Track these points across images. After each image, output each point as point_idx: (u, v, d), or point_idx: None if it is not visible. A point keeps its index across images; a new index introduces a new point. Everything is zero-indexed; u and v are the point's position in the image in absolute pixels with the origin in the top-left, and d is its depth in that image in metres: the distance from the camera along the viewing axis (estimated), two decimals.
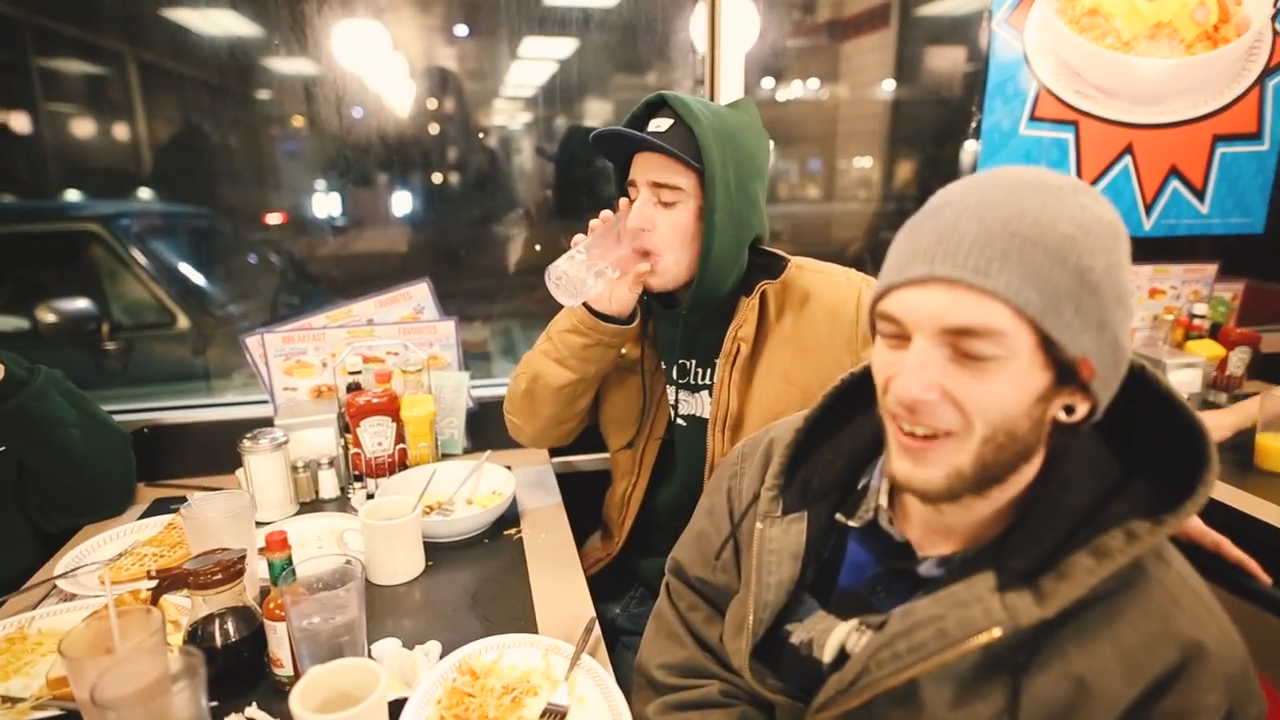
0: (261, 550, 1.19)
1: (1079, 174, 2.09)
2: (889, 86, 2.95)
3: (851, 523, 0.84)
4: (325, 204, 3.67)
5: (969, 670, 0.71)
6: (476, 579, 1.24)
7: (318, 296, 3.89)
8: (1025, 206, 0.66)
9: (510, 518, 1.42)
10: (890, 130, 2.97)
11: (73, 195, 3.21)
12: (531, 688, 0.97)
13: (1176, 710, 0.66)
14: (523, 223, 3.09)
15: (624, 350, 1.38)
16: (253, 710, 0.93)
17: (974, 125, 2.05)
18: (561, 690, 0.95)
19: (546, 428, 1.40)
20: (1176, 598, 0.69)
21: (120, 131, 3.89)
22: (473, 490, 1.45)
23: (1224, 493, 1.48)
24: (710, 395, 1.32)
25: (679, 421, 1.37)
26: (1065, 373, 0.66)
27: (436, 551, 1.29)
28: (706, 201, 1.19)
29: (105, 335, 2.92)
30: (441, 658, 1.02)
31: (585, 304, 1.25)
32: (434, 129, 3.17)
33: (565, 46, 4.31)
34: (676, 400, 1.36)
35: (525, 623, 1.12)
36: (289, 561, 0.95)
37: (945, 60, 2.75)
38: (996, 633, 0.67)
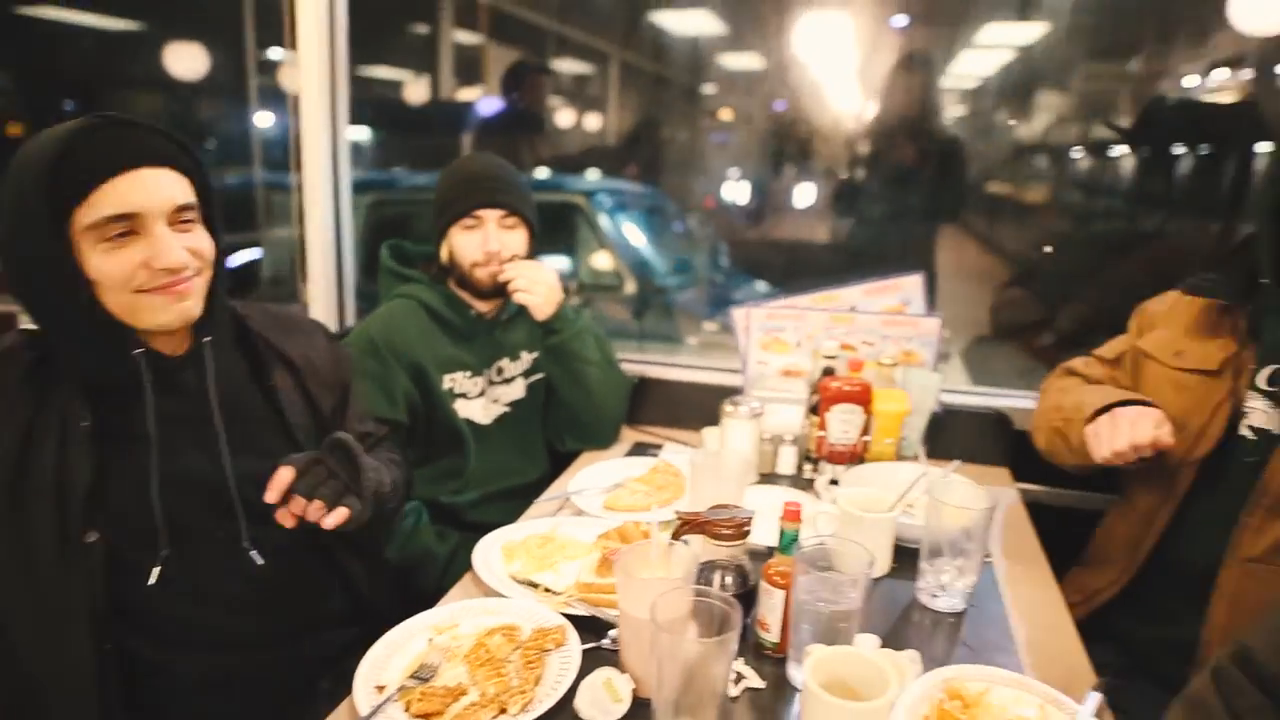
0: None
1: None
2: None
3: None
4: (751, 192, 3.82)
5: None
6: None
7: (738, 278, 4.10)
8: None
9: None
10: None
11: (544, 173, 3.79)
12: None
13: None
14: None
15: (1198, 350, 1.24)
16: (740, 665, 0.97)
17: None
18: None
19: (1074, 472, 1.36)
20: None
21: (592, 122, 4.48)
22: (947, 499, 1.36)
23: None
24: None
25: (1244, 433, 1.16)
26: None
27: (901, 553, 1.23)
28: None
29: (572, 292, 3.42)
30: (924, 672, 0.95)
31: None
32: (867, 124, 3.07)
33: (1029, 32, 3.86)
34: (1248, 410, 1.16)
35: (1004, 658, 1.02)
36: (798, 534, 0.96)
37: None
38: None
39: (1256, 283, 1.17)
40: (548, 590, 1.09)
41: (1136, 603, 1.26)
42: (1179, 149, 2.55)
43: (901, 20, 3.33)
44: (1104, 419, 1.17)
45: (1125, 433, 1.13)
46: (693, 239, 4.13)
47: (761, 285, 3.66)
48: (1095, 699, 0.90)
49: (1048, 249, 2.38)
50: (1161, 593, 1.22)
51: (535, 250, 1.57)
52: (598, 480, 1.45)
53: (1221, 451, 1.17)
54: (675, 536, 1.01)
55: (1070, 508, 1.55)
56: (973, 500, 1.10)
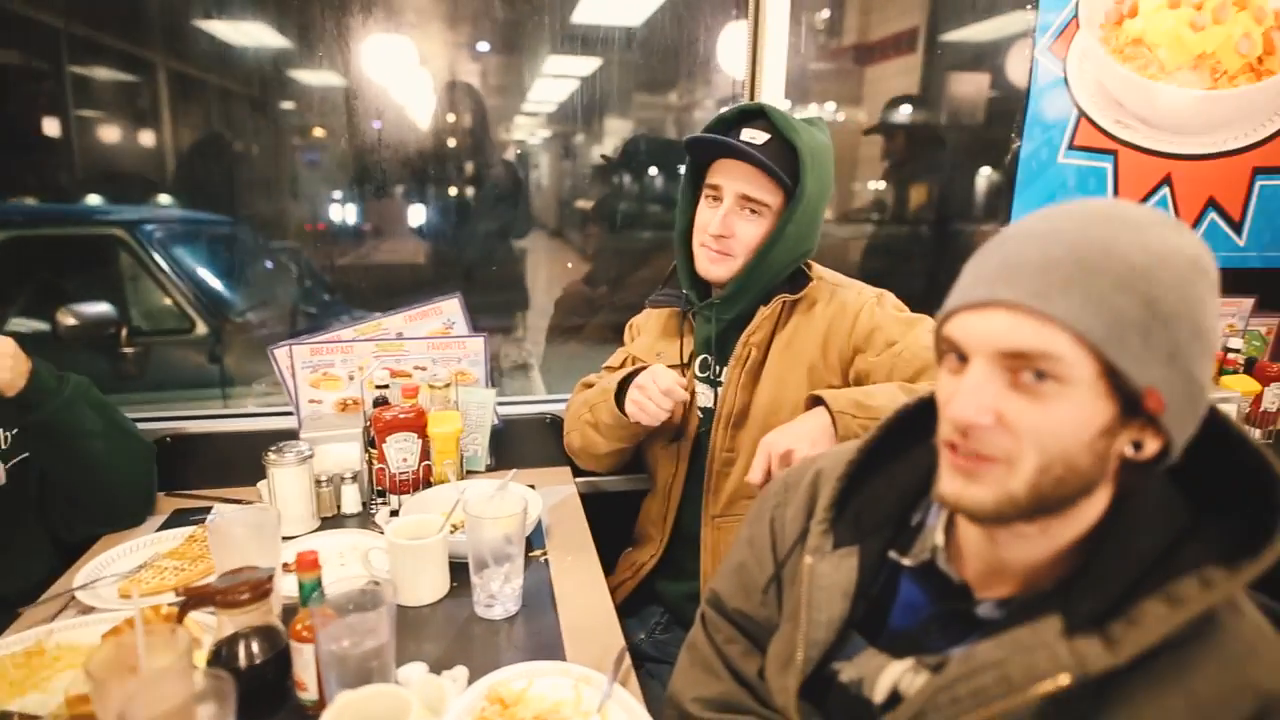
0: (287, 566, 1.17)
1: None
2: (912, 111, 2.94)
3: (905, 561, 0.82)
4: (346, 215, 3.67)
5: (1031, 718, 0.68)
6: None
7: (335, 306, 3.90)
8: (1096, 235, 0.65)
9: (535, 540, 1.39)
10: (911, 155, 2.96)
11: (96, 200, 3.23)
12: (562, 719, 0.94)
13: None
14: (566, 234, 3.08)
15: (666, 350, 1.47)
16: None
17: (1012, 152, 2.03)
18: None
19: (607, 466, 1.54)
20: (1253, 647, 0.66)
21: (147, 138, 3.91)
22: (497, 510, 1.42)
23: None
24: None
25: (698, 412, 1.42)
26: (1131, 404, 0.64)
27: (461, 571, 1.26)
28: (785, 218, 1.25)
29: (124, 340, 2.92)
30: (469, 684, 0.99)
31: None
32: (455, 143, 3.17)
33: (589, 64, 4.32)
34: (697, 393, 1.43)
35: (553, 649, 1.10)
36: (319, 582, 0.92)
37: (972, 86, 2.74)
38: (1064, 679, 0.64)
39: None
40: (23, 718, 0.90)
41: (668, 568, 1.46)
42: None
43: (484, 46, 3.45)
44: (634, 392, 1.33)
45: (652, 389, 1.30)
46: (283, 268, 3.81)
47: (391, 315, 3.50)
48: (617, 670, 1.02)
49: (572, 265, 2.68)
50: (680, 556, 1.43)
51: None
52: (117, 565, 1.25)
53: (697, 431, 1.41)
54: (181, 617, 0.90)
55: (625, 491, 1.73)
56: (507, 507, 1.16)
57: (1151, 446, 0.67)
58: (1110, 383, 0.64)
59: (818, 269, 1.40)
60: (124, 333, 2.97)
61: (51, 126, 3.12)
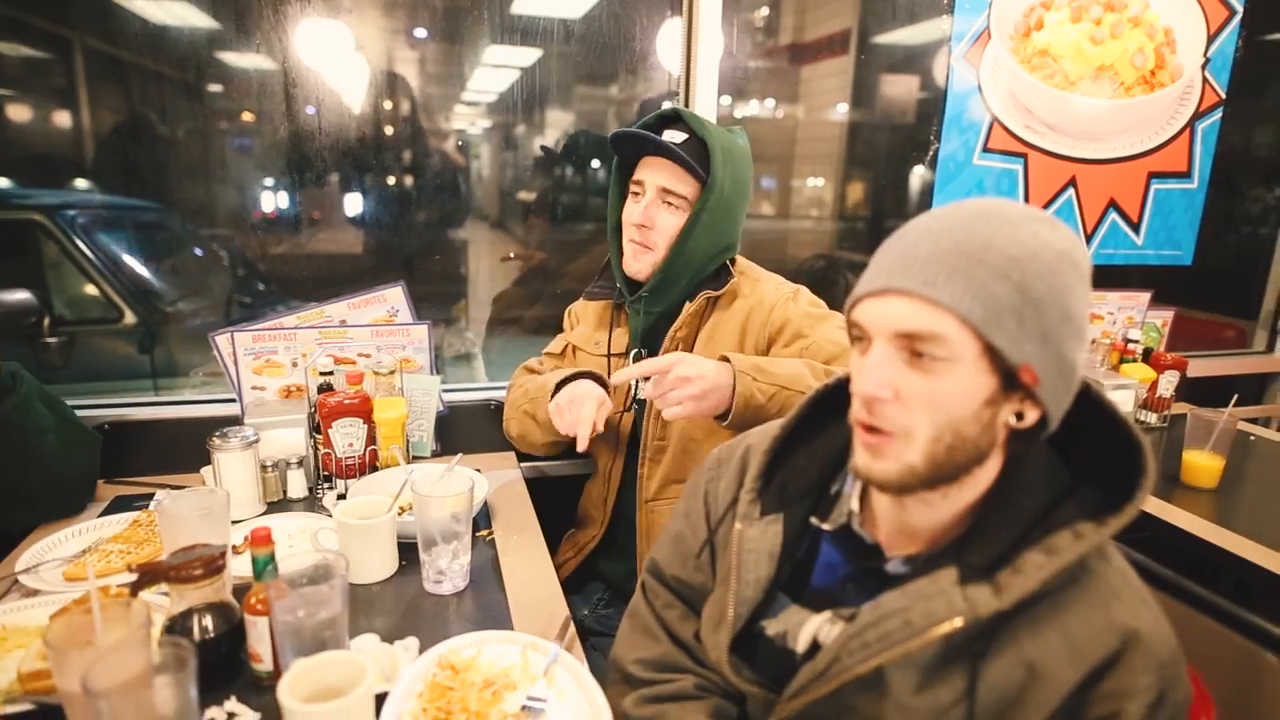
0: (238, 547, 1.20)
1: (1026, 203, 2.21)
2: (846, 110, 3.05)
3: (825, 526, 0.90)
4: (280, 202, 3.60)
5: (932, 658, 0.77)
6: None
7: (271, 296, 3.82)
8: (978, 232, 0.74)
9: (481, 520, 1.44)
10: (845, 153, 3.08)
11: (4, 183, 3.09)
12: (511, 683, 0.99)
13: (1114, 691, 0.73)
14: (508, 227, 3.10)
15: (601, 338, 1.53)
16: (232, 704, 0.93)
17: (931, 153, 2.15)
18: (540, 685, 0.98)
19: (543, 453, 1.57)
20: (1117, 591, 0.76)
21: (62, 119, 3.75)
22: (444, 492, 1.46)
23: (1154, 506, 1.58)
24: None
25: (634, 404, 1.49)
26: (1010, 379, 0.73)
27: (409, 551, 1.30)
28: (698, 207, 1.33)
29: (45, 330, 2.82)
30: (420, 654, 1.03)
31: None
32: (392, 131, 3.15)
33: (529, 55, 4.33)
34: (633, 385, 1.49)
35: (500, 622, 1.15)
36: (272, 557, 0.95)
37: (901, 88, 2.87)
38: (958, 622, 0.73)
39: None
40: None
41: (609, 547, 1.53)
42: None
43: (422, 33, 3.42)
44: (562, 397, 1.38)
45: (576, 413, 1.34)
46: (215, 257, 3.71)
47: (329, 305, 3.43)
48: (563, 636, 1.08)
49: (511, 256, 2.72)
50: (620, 536, 1.50)
51: None
52: (59, 550, 1.25)
53: (634, 420, 1.48)
54: (135, 592, 0.92)
55: (568, 475, 1.79)
56: (455, 486, 1.21)
57: (1031, 416, 0.76)
58: (991, 360, 0.73)
59: (741, 263, 1.48)
60: (46, 322, 2.86)
61: None
